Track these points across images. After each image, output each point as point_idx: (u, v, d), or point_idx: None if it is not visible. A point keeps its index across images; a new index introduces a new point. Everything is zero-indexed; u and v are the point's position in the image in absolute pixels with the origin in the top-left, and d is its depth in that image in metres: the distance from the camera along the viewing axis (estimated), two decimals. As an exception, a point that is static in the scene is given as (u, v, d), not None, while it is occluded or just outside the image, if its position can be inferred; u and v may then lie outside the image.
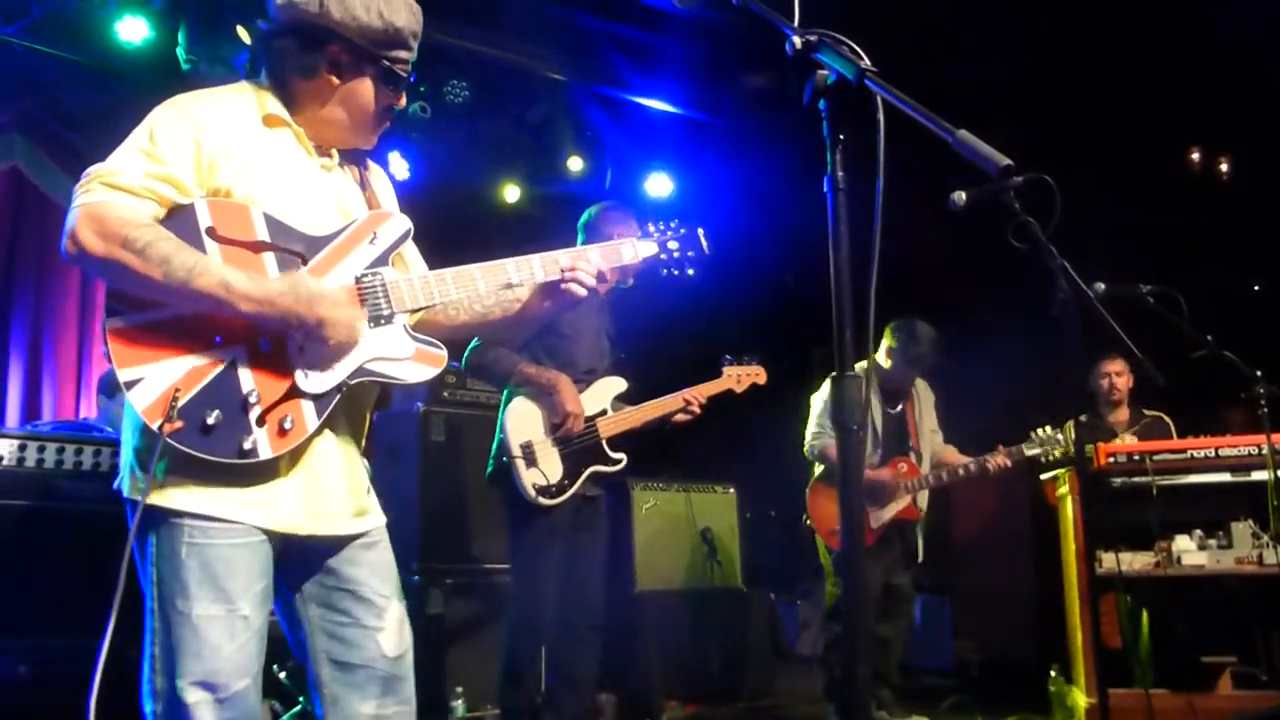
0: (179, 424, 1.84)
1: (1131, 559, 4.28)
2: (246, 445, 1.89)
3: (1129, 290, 3.50)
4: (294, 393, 1.94)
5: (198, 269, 1.84)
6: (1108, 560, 4.22)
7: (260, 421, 1.90)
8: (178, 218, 1.91)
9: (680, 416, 3.95)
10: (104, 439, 3.80)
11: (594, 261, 2.23)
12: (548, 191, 7.52)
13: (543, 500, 3.62)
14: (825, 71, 1.54)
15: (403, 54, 2.12)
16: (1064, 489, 4.67)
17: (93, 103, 6.03)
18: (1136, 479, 4.36)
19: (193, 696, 1.88)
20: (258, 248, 1.95)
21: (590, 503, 3.85)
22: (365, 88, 2.11)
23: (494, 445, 3.80)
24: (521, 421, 3.70)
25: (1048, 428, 4.86)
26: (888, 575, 4.90)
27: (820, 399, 5.01)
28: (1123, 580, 4.23)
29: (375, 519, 2.17)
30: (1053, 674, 4.80)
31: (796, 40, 1.58)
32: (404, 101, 2.18)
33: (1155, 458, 4.35)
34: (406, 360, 2.06)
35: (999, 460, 4.84)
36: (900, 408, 5.05)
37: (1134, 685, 4.13)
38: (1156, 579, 4.30)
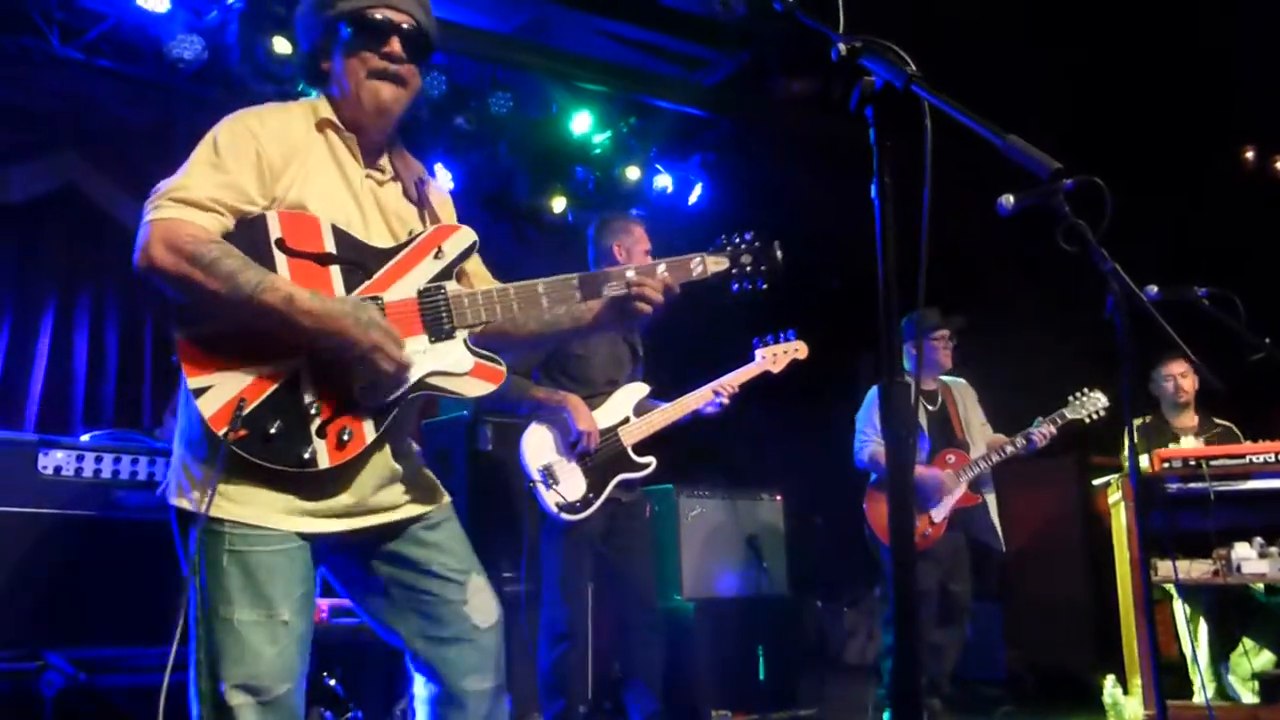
0: (243, 432, 1.88)
1: (1189, 567, 4.19)
2: (305, 455, 1.92)
3: (1184, 292, 3.43)
4: (353, 406, 1.97)
5: (263, 284, 1.87)
6: (1164, 568, 4.14)
7: (320, 433, 1.94)
8: (249, 229, 1.96)
9: (711, 410, 3.91)
10: (160, 449, 3.86)
11: (660, 277, 2.18)
12: (594, 202, 7.54)
13: (567, 516, 3.68)
14: (871, 77, 1.52)
15: (362, 2, 2.08)
16: (1116, 495, 4.59)
17: (148, 118, 6.16)
18: (1193, 485, 4.26)
19: (236, 700, 1.91)
20: (325, 260, 1.99)
21: (624, 508, 3.86)
22: (348, 53, 2.10)
23: None
24: (537, 447, 3.75)
25: (1085, 388, 4.78)
26: (946, 580, 4.85)
27: (864, 406, 4.99)
28: (1180, 588, 4.15)
29: (431, 499, 2.19)
30: (1108, 684, 4.71)
31: (842, 47, 1.56)
32: (397, 46, 2.09)
33: (1213, 463, 4.26)
34: (465, 375, 2.07)
35: (1043, 430, 4.78)
36: (941, 402, 5.01)
37: (1193, 697, 4.04)
38: (1216, 587, 4.20)
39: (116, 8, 5.71)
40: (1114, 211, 2.43)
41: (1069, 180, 2.30)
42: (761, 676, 5.70)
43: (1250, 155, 7.31)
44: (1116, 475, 4.64)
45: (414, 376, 2.02)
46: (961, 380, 5.22)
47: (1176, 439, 5.21)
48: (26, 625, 3.33)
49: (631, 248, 3.92)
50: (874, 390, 4.94)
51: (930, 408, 5.00)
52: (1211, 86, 6.17)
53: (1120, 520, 4.52)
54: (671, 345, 4.47)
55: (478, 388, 2.08)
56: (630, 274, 2.16)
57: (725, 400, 3.91)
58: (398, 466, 2.12)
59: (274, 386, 1.92)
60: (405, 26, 2.10)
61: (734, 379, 3.94)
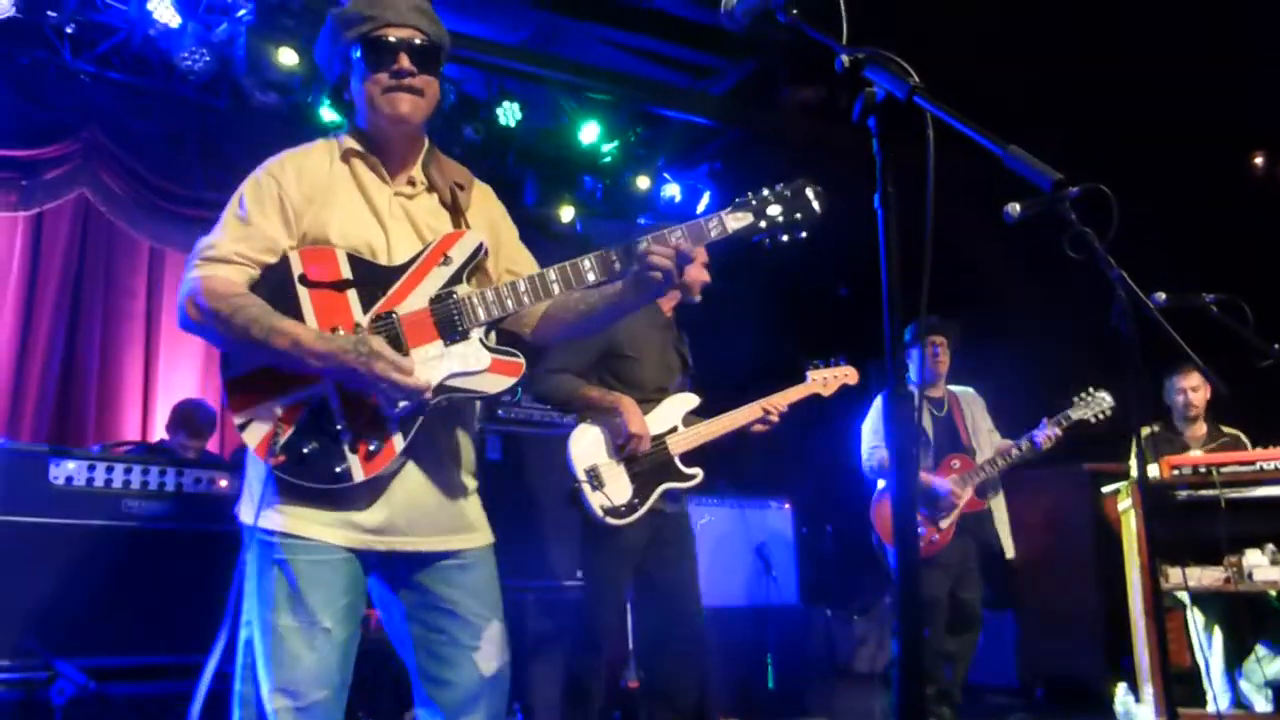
0: (282, 457, 2.03)
1: (1200, 574, 4.17)
2: (339, 470, 2.05)
3: (1192, 299, 3.42)
4: (378, 419, 2.07)
5: (274, 331, 2.02)
6: (1174, 576, 4.12)
7: (352, 448, 2.06)
8: (275, 270, 2.13)
9: (758, 427, 3.88)
10: (169, 460, 3.88)
11: (673, 242, 2.13)
12: (603, 211, 7.56)
13: (611, 520, 3.61)
14: (874, 88, 1.53)
15: (365, 27, 2.15)
16: (1126, 503, 4.58)
17: (157, 130, 6.21)
18: (1203, 492, 4.25)
19: (275, 704, 1.99)
20: (343, 286, 2.12)
21: (669, 519, 3.81)
22: (363, 78, 2.18)
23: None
24: (585, 446, 3.69)
25: (1090, 388, 4.77)
26: (956, 588, 4.84)
27: (870, 416, 4.99)
28: (1191, 596, 4.13)
29: (472, 539, 2.23)
30: (1119, 692, 4.69)
31: (845, 58, 1.57)
32: (406, 62, 2.15)
33: (1223, 470, 4.24)
34: (484, 372, 2.13)
35: (1049, 432, 4.77)
36: (947, 409, 5.01)
37: (1206, 705, 4.02)
38: (1228, 595, 4.18)
39: (128, 21, 5.76)
40: (1120, 218, 2.43)
41: (1074, 187, 2.30)
42: (771, 685, 5.70)
43: (1260, 160, 7.30)
44: (1126, 482, 4.63)
45: (434, 380, 2.08)
46: (970, 389, 5.22)
47: (1186, 448, 5.20)
48: (37, 634, 3.34)
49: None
50: (880, 398, 4.94)
51: (936, 414, 5.00)
52: (1221, 91, 6.16)
53: (1130, 527, 4.50)
54: (716, 364, 4.45)
55: (497, 383, 2.13)
56: (641, 246, 2.14)
57: (775, 419, 3.88)
58: (436, 492, 2.17)
59: (305, 412, 2.07)
60: (416, 41, 2.17)
61: (783, 398, 3.91)
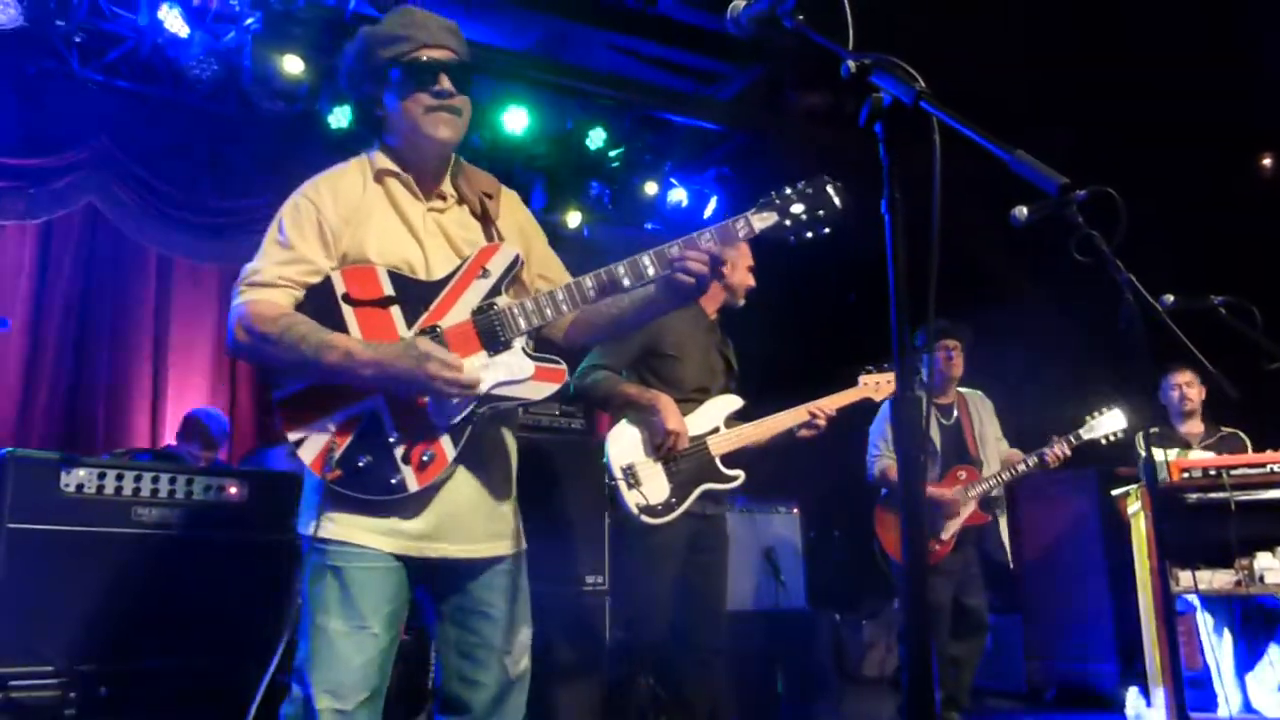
0: (338, 472, 2.11)
1: (1210, 577, 4.15)
2: (394, 481, 2.12)
3: (1200, 302, 3.42)
4: (429, 429, 2.15)
5: (324, 346, 2.09)
6: (1185, 579, 4.10)
7: (405, 460, 2.13)
8: (318, 291, 2.19)
9: (805, 432, 3.85)
10: (179, 468, 3.90)
11: (704, 245, 2.17)
12: (610, 217, 7.57)
13: (648, 519, 3.55)
14: (881, 94, 1.53)
15: (405, 47, 2.21)
16: (1136, 505, 4.57)
17: (165, 138, 6.23)
18: (1213, 494, 4.23)
19: (321, 703, 2.06)
20: (386, 303, 2.19)
21: (709, 522, 3.77)
22: (402, 97, 2.23)
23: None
24: (623, 445, 3.65)
25: (1104, 408, 4.76)
26: (960, 593, 4.82)
27: (877, 420, 4.98)
28: (1202, 599, 4.11)
29: (510, 545, 2.31)
30: (1130, 697, 4.68)
31: (852, 64, 1.58)
32: (447, 83, 2.21)
33: (1233, 472, 4.22)
34: (529, 380, 2.19)
35: (1057, 449, 4.75)
36: (955, 418, 5.00)
37: (1218, 709, 4.01)
38: (1239, 598, 4.17)
39: (136, 30, 5.79)
40: (1128, 221, 2.43)
41: (1082, 191, 2.30)
42: (779, 690, 5.69)
43: (1268, 162, 7.28)
44: (1135, 485, 4.62)
45: (481, 390, 2.15)
46: (979, 392, 5.20)
47: (1187, 447, 5.20)
48: (50, 641, 3.36)
49: (736, 262, 3.88)
50: (886, 403, 4.91)
51: (944, 422, 4.97)
52: (1229, 93, 6.14)
53: (1140, 530, 4.49)
54: (759, 368, 4.44)
55: (542, 390, 2.20)
56: (673, 250, 2.20)
57: (821, 423, 3.85)
58: (480, 499, 2.25)
59: (358, 426, 2.14)
60: (450, 61, 2.23)
61: (831, 402, 3.85)
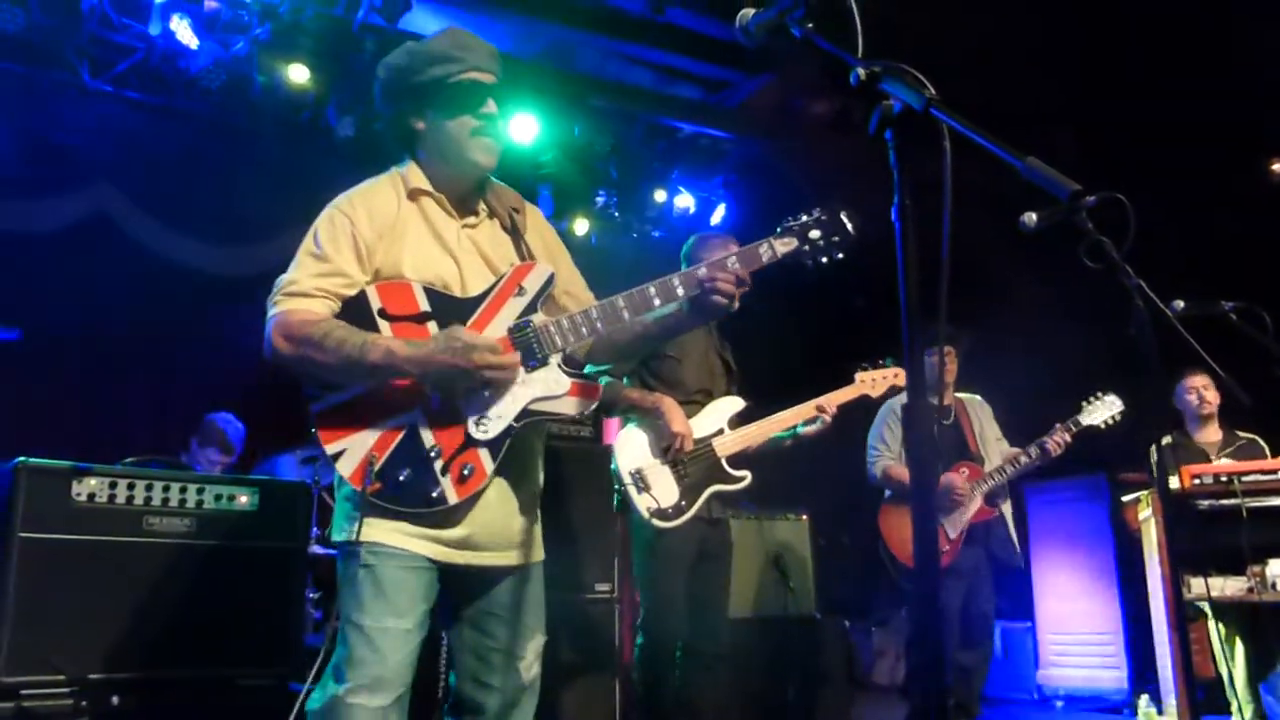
0: (378, 485, 2.13)
1: (1223, 584, 4.14)
2: (435, 494, 2.15)
3: (1211, 307, 3.41)
4: (469, 442, 2.18)
5: (367, 345, 2.11)
6: (1196, 586, 4.09)
7: (445, 472, 2.16)
8: (352, 305, 2.21)
9: (809, 429, 3.86)
10: (190, 477, 3.90)
11: (732, 270, 2.27)
12: (618, 224, 7.57)
13: (659, 523, 3.57)
14: (890, 101, 1.53)
15: (455, 68, 2.27)
16: (1146, 512, 4.55)
17: (175, 147, 6.26)
18: (1225, 501, 4.21)
19: (353, 699, 2.09)
20: (422, 318, 2.22)
21: (716, 527, 3.78)
22: (447, 117, 2.29)
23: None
24: (630, 450, 3.67)
25: (1099, 393, 4.73)
26: (969, 600, 4.80)
27: (875, 422, 4.97)
28: (1213, 607, 4.09)
29: (533, 554, 2.37)
30: (1142, 704, 4.66)
31: (861, 71, 1.58)
32: (494, 106, 2.30)
33: (1244, 479, 4.21)
34: (565, 396, 2.24)
35: (1058, 438, 4.72)
36: (955, 417, 4.98)
37: (1231, 716, 3.98)
38: (1252, 604, 4.14)
39: (145, 41, 5.82)
40: (1138, 226, 2.42)
41: (1091, 197, 2.30)
42: (789, 697, 5.67)
43: (1278, 167, 7.25)
44: (1146, 491, 4.60)
45: (519, 405, 2.20)
46: (977, 396, 5.18)
47: (1204, 454, 5.16)
48: (62, 651, 3.36)
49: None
50: (885, 406, 4.90)
51: (944, 422, 4.96)
52: (1239, 98, 6.13)
53: (1151, 537, 4.47)
54: (763, 371, 4.44)
55: (579, 405, 2.25)
56: (702, 271, 2.26)
57: (828, 419, 3.85)
58: (512, 510, 2.30)
59: (398, 439, 2.16)
60: (494, 84, 2.32)
61: (834, 398, 3.89)
